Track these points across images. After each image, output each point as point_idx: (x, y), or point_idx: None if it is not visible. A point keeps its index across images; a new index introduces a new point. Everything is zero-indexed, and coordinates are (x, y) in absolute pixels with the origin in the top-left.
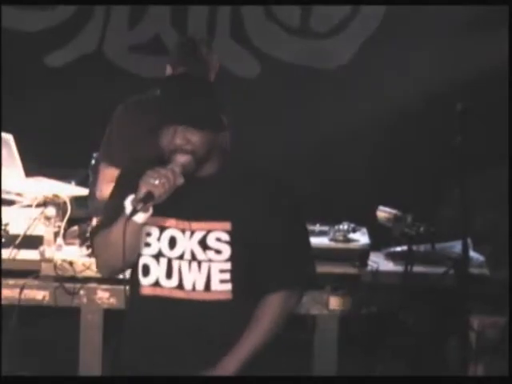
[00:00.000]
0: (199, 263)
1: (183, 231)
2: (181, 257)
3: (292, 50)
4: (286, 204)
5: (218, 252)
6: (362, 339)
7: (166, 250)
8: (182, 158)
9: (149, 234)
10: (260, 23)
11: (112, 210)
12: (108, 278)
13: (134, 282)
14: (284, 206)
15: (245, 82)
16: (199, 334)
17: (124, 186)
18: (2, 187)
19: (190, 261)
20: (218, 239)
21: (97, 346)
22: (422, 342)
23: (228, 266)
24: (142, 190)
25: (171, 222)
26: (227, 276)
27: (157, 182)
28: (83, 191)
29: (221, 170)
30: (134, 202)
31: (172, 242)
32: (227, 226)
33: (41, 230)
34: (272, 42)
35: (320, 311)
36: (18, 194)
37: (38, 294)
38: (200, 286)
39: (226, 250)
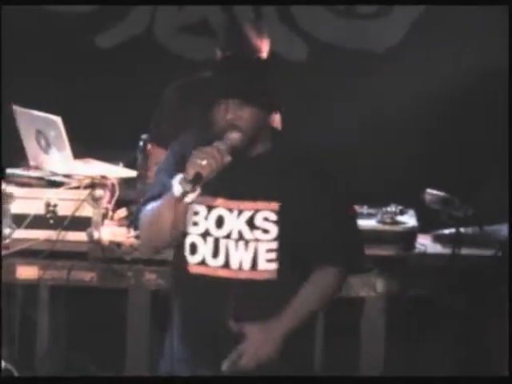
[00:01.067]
0: (246, 242)
1: (231, 210)
2: (228, 236)
3: (339, 31)
4: (335, 186)
5: (265, 231)
6: (409, 322)
7: (213, 229)
8: (232, 135)
9: (196, 213)
10: (306, 5)
11: (158, 188)
12: (149, 257)
13: (179, 261)
14: (332, 188)
15: (293, 65)
16: (243, 313)
17: (171, 165)
18: (51, 168)
19: (237, 240)
20: (266, 219)
21: (144, 327)
22: (468, 325)
23: (274, 245)
24: (190, 172)
25: (219, 201)
26: (273, 255)
27: (204, 162)
28: (131, 173)
29: (271, 151)
30: (184, 183)
31: (219, 222)
32: (275, 206)
33: (89, 211)
34: (319, 24)
35: (367, 293)
36: (66, 176)
37: (86, 276)
38: (246, 265)
39: (273, 230)
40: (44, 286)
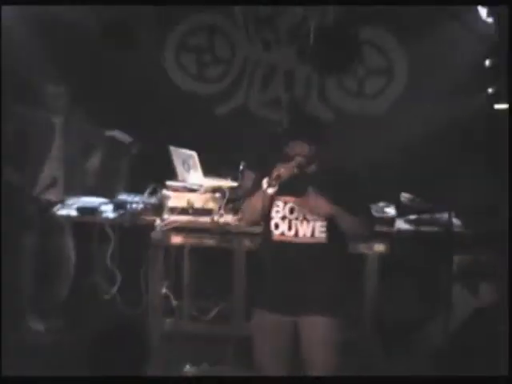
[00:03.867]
0: (308, 221)
1: (297, 204)
2: (296, 218)
3: (353, 105)
4: (356, 187)
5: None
6: (391, 270)
7: (288, 214)
8: (298, 159)
9: (277, 205)
10: (335, 90)
11: (253, 189)
12: (246, 230)
13: (266, 233)
14: (354, 188)
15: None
16: (305, 268)
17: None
18: (190, 182)
19: (302, 220)
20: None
21: (242, 272)
22: (423, 273)
23: (325, 223)
24: (273, 175)
25: (290, 198)
26: (324, 228)
27: (282, 169)
28: (234, 184)
29: (320, 168)
30: (269, 181)
31: (291, 210)
32: None
33: (211, 205)
34: (342, 101)
35: (368, 251)
36: (199, 186)
37: (209, 242)
38: (308, 234)
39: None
40: (186, 248)
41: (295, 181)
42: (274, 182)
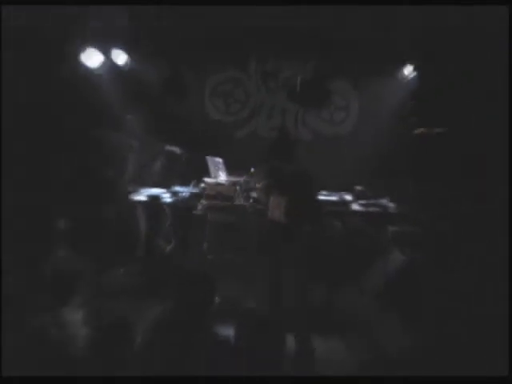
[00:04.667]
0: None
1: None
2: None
3: (325, 129)
4: (312, 181)
5: None
6: (348, 238)
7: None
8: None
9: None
10: (313, 119)
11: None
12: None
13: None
14: (311, 182)
15: (302, 143)
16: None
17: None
18: (220, 179)
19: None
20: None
21: (251, 237)
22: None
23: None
24: (265, 183)
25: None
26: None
27: (267, 181)
28: (247, 180)
29: (293, 172)
30: (261, 186)
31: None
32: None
33: (232, 193)
34: (318, 127)
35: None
36: (225, 181)
37: (230, 218)
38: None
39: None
40: (216, 221)
41: (275, 184)
42: (271, 180)
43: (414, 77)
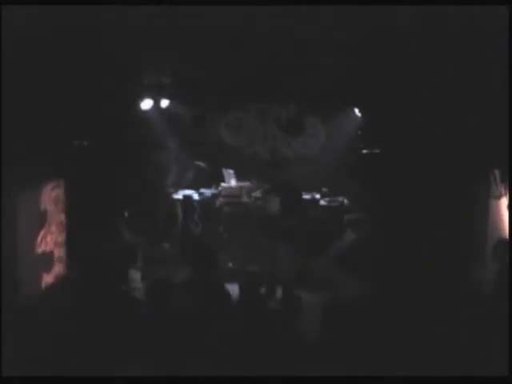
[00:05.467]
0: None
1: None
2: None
3: (302, 151)
4: (296, 186)
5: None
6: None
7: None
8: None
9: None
10: (296, 144)
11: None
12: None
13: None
14: (295, 187)
15: (288, 160)
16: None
17: None
18: (231, 185)
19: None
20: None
21: (253, 223)
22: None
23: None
24: (265, 188)
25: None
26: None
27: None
28: (251, 185)
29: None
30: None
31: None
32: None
33: (240, 194)
34: (298, 149)
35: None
36: (235, 185)
37: (240, 210)
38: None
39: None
40: (229, 212)
41: (270, 190)
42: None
43: (362, 115)
